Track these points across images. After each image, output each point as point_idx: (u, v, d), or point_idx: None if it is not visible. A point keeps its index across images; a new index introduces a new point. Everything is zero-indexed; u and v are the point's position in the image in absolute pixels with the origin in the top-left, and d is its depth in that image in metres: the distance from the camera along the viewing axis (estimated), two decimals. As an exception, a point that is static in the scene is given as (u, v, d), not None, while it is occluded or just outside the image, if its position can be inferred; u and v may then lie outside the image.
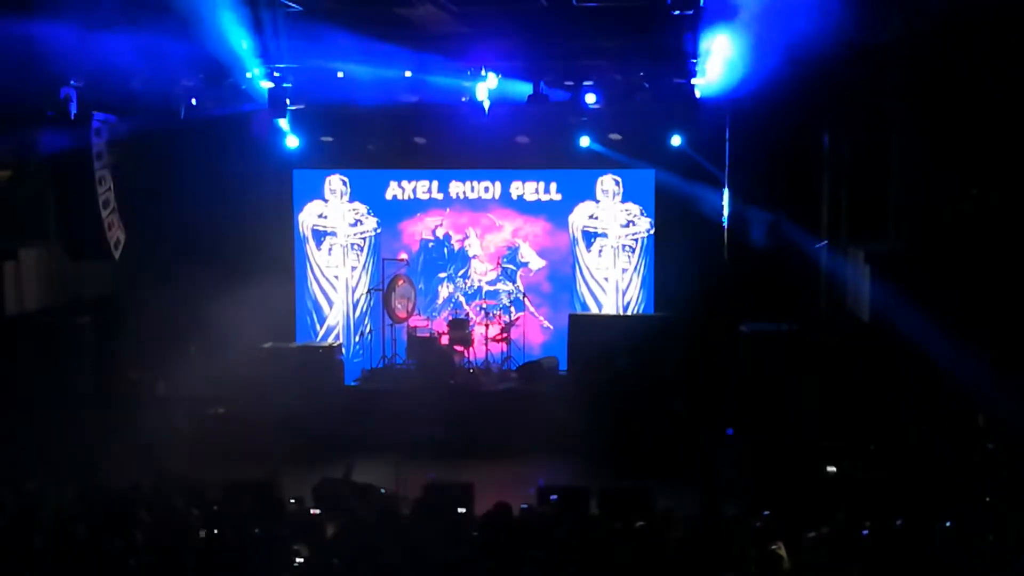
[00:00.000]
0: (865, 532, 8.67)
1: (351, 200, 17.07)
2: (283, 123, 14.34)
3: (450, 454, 13.66)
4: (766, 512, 9.74)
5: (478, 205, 16.88)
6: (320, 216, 17.11)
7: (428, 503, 10.12)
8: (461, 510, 9.89)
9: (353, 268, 17.08)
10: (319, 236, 17.13)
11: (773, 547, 8.12)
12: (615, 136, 15.54)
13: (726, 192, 13.75)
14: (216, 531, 8.92)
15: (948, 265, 12.07)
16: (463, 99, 13.95)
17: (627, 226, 16.60)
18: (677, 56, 12.89)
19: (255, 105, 13.99)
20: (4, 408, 13.12)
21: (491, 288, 16.77)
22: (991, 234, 12.13)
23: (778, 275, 14.28)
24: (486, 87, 13.52)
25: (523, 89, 13.58)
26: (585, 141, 15.61)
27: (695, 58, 12.73)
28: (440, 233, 16.94)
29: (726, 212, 13.76)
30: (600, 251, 16.68)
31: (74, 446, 12.43)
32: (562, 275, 16.78)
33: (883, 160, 13.37)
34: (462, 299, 16.74)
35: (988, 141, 11.88)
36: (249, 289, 14.89)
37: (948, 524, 8.78)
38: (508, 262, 16.81)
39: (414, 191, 16.97)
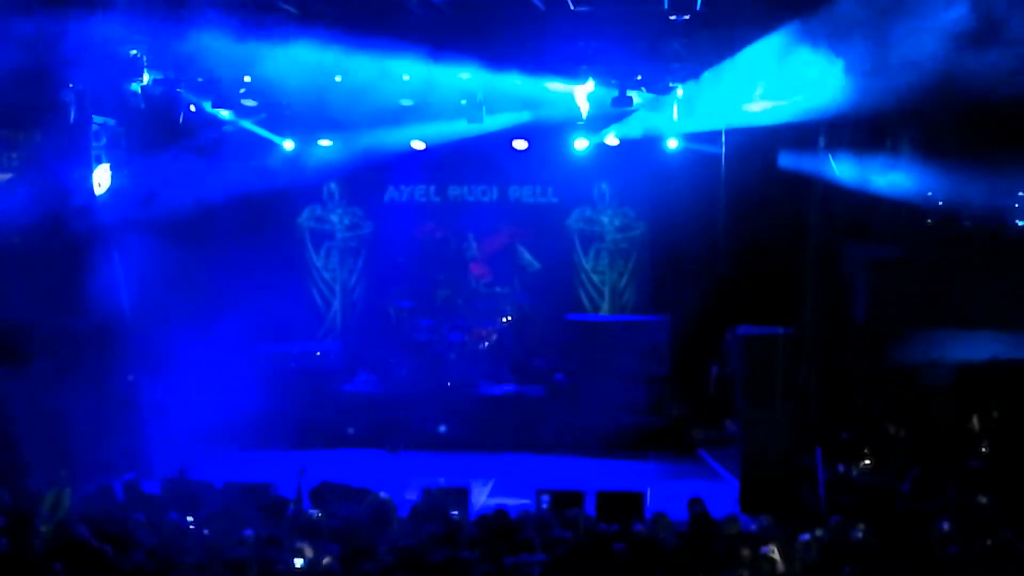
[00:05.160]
0: (858, 534, 8.72)
1: (349, 203, 17.12)
2: None
3: (447, 458, 13.71)
4: (763, 516, 9.82)
5: (476, 208, 16.91)
6: (318, 219, 17.17)
7: (424, 506, 10.18)
8: (455, 513, 9.90)
9: (350, 271, 17.14)
10: (317, 239, 17.19)
11: (767, 550, 8.17)
12: (612, 140, 15.55)
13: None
14: (214, 533, 8.98)
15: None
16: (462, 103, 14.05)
17: (622, 229, 16.67)
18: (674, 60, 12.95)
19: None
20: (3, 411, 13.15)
21: (488, 291, 16.81)
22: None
23: (775, 277, 14.33)
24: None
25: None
26: (580, 144, 15.65)
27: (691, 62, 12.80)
28: (438, 235, 16.98)
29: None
30: (596, 254, 16.75)
31: (70, 449, 12.46)
32: (559, 278, 16.82)
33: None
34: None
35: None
36: (248, 292, 14.92)
37: (945, 527, 8.84)
38: (505, 265, 16.85)
39: (412, 194, 17.01)
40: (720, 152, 14.30)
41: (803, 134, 13.38)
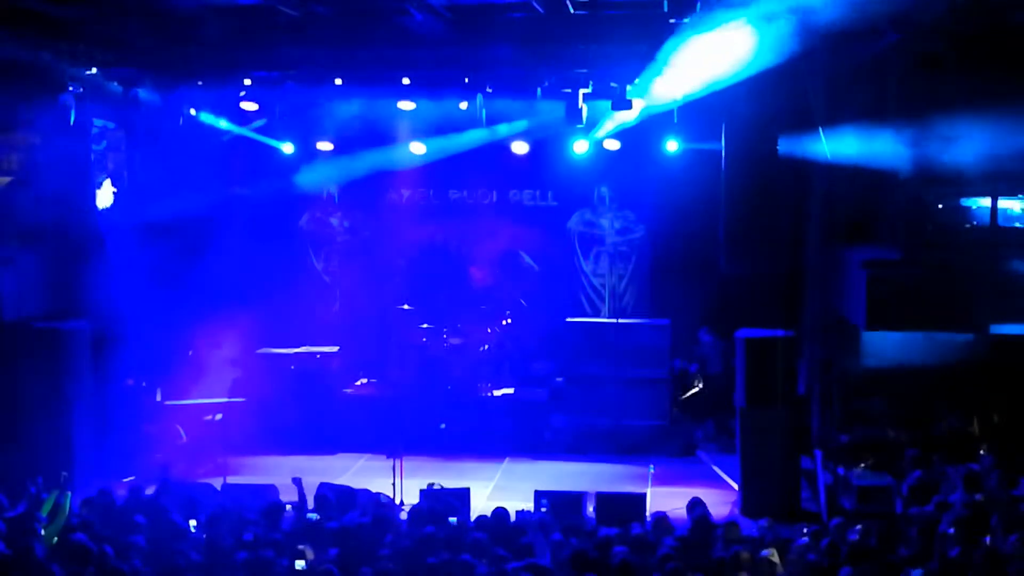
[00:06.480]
0: (857, 537, 8.73)
1: (349, 207, 17.14)
2: None
3: (447, 459, 13.72)
4: (763, 519, 9.82)
5: (476, 211, 16.93)
6: (318, 223, 17.18)
7: (425, 508, 10.17)
8: (453, 519, 9.89)
9: (351, 274, 17.15)
10: (317, 242, 17.20)
11: (766, 553, 8.18)
12: (612, 144, 15.49)
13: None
14: (213, 536, 8.98)
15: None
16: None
17: (622, 232, 16.68)
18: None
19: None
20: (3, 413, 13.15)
21: (488, 294, 16.78)
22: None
23: (775, 279, 14.32)
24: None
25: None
26: (580, 147, 15.61)
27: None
28: (438, 239, 16.98)
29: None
30: (596, 257, 16.76)
31: (71, 453, 12.48)
32: (559, 281, 16.83)
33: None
34: None
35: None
36: (248, 295, 14.93)
37: (945, 530, 8.84)
38: (505, 268, 16.84)
39: (412, 197, 17.02)
40: (719, 149, 14.22)
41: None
